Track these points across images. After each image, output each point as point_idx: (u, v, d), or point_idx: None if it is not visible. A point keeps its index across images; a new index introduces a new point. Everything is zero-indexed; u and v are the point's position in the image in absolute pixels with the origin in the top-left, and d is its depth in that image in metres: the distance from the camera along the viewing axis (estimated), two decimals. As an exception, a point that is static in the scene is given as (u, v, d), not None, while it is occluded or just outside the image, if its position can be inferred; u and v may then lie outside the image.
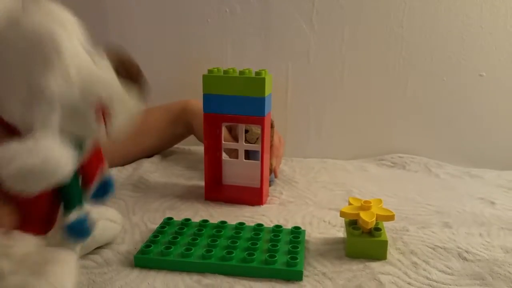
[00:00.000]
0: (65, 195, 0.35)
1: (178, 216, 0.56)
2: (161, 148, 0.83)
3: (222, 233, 0.48)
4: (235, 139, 0.73)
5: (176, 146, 0.86)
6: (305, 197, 0.65)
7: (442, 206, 0.62)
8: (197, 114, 0.75)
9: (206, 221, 0.51)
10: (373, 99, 0.85)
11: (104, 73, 0.32)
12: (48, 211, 0.35)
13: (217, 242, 0.46)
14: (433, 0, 0.79)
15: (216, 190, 0.66)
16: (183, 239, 0.46)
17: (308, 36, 0.83)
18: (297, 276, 0.42)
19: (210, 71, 0.61)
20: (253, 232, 0.48)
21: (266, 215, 0.59)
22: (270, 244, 0.45)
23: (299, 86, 0.86)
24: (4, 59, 0.30)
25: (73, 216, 0.35)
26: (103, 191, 0.38)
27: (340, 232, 0.54)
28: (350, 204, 0.50)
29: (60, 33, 0.29)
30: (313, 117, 0.87)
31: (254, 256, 0.43)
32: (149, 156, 0.80)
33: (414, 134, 0.86)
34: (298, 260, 0.42)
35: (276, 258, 0.42)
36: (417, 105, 0.85)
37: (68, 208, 0.36)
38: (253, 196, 0.63)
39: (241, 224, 0.51)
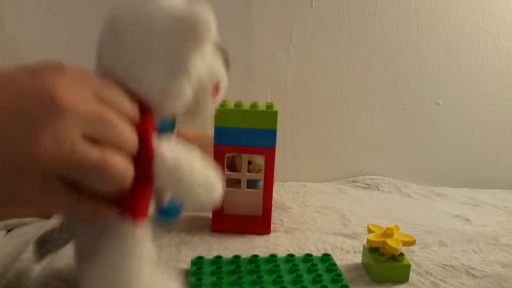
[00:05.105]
0: None
1: (194, 251, 0.56)
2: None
3: (261, 267, 0.49)
4: (233, 171, 0.74)
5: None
6: (306, 223, 0.68)
7: (428, 225, 0.68)
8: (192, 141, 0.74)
9: (238, 256, 0.52)
10: (344, 125, 0.92)
11: (219, 61, 0.37)
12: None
13: (263, 279, 0.47)
14: (396, 38, 0.87)
15: (221, 221, 0.66)
16: (228, 278, 0.47)
17: (286, 67, 0.87)
18: (350, 304, 0.45)
19: (221, 104, 0.62)
20: (290, 264, 0.50)
21: (280, 244, 0.60)
22: (314, 274, 0.48)
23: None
24: (156, 35, 0.32)
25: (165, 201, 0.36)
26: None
27: (356, 258, 0.57)
28: (371, 231, 0.54)
29: (211, 18, 0.32)
30: (290, 142, 0.91)
31: (308, 290, 0.44)
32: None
33: (381, 157, 0.94)
34: (348, 288, 0.45)
35: (329, 289, 0.45)
36: (383, 131, 0.92)
37: None
38: (259, 226, 0.65)
39: (273, 256, 0.52)
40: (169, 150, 0.32)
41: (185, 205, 0.36)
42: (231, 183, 0.70)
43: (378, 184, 0.89)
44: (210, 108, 0.38)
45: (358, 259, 0.57)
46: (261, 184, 0.68)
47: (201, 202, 0.35)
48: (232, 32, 0.85)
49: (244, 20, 0.84)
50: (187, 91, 0.33)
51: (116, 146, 0.28)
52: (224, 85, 0.38)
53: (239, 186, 0.69)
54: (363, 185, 0.89)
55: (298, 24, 0.85)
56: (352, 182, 0.91)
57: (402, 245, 0.52)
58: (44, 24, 0.81)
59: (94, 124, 0.27)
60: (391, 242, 0.51)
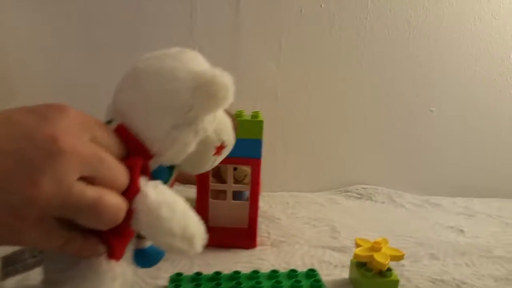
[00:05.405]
0: None
1: (174, 267, 0.54)
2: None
3: (242, 285, 0.47)
4: (218, 179, 0.72)
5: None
6: (294, 236, 0.66)
7: (421, 237, 0.66)
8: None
9: (219, 273, 0.50)
10: (335, 134, 0.89)
11: (229, 123, 0.38)
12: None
13: (243, 297, 0.44)
14: (389, 44, 0.86)
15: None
16: (206, 296, 0.45)
17: (276, 74, 0.85)
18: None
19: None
20: (273, 280, 0.48)
21: (265, 258, 0.58)
22: (297, 293, 0.46)
23: (266, 122, 0.87)
24: (173, 89, 0.32)
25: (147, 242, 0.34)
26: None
27: (343, 273, 0.55)
28: (358, 245, 0.52)
29: (231, 86, 0.33)
30: (280, 151, 0.89)
31: (289, 309, 0.42)
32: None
33: (374, 166, 0.92)
34: (331, 309, 0.43)
35: (309, 308, 0.43)
36: (376, 139, 0.90)
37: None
38: (245, 239, 0.62)
39: (256, 272, 0.50)
40: (154, 190, 0.31)
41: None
42: (215, 193, 0.68)
43: (371, 194, 0.86)
44: (209, 166, 0.38)
45: (345, 274, 0.55)
46: (247, 194, 0.66)
47: (178, 250, 0.32)
48: (220, 38, 0.83)
49: (232, 26, 0.83)
50: (190, 146, 0.34)
51: (110, 183, 0.29)
52: (229, 148, 0.38)
53: (225, 197, 0.67)
54: (355, 195, 0.87)
55: (287, 29, 0.84)
56: (345, 192, 0.88)
57: (390, 260, 0.49)
58: (34, 32, 0.80)
59: (91, 165, 0.27)
60: (378, 257, 0.49)
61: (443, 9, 0.85)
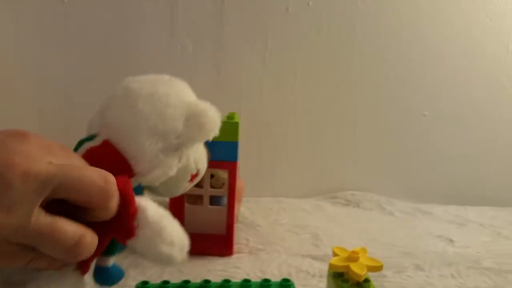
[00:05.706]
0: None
1: (143, 275, 0.52)
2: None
3: (208, 295, 0.44)
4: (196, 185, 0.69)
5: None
6: (274, 243, 0.63)
7: (407, 246, 0.63)
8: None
9: (187, 281, 0.47)
10: (324, 137, 0.87)
11: (205, 153, 0.40)
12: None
13: (207, 308, 0.41)
14: (380, 45, 0.83)
15: (180, 241, 0.61)
16: (169, 306, 0.42)
17: (261, 75, 0.83)
18: None
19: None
20: (243, 291, 0.45)
21: (241, 267, 0.55)
22: (266, 304, 0.42)
23: (251, 124, 0.85)
24: (166, 114, 0.34)
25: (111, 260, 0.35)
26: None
27: (321, 283, 0.52)
28: (335, 254, 0.49)
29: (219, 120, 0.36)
30: (266, 155, 0.86)
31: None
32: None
33: (364, 172, 0.88)
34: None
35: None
36: (366, 144, 0.87)
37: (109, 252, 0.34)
38: (221, 246, 0.60)
39: (227, 281, 0.47)
40: (149, 204, 0.32)
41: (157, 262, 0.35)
42: (193, 199, 0.65)
43: (359, 200, 0.83)
44: (181, 191, 0.40)
45: (323, 284, 0.52)
46: (225, 200, 0.63)
47: (173, 260, 0.33)
48: (203, 36, 0.80)
49: (216, 24, 0.80)
50: (172, 171, 0.35)
51: (88, 188, 0.28)
52: (200, 177, 0.41)
53: (202, 202, 0.64)
54: (343, 201, 0.84)
55: (273, 29, 0.81)
56: (332, 198, 0.85)
57: (368, 271, 0.46)
58: (33, 45, 0.78)
59: (56, 181, 0.26)
60: (354, 267, 0.46)
61: (437, 9, 0.82)
